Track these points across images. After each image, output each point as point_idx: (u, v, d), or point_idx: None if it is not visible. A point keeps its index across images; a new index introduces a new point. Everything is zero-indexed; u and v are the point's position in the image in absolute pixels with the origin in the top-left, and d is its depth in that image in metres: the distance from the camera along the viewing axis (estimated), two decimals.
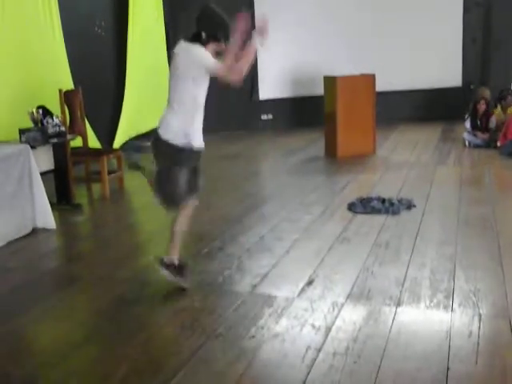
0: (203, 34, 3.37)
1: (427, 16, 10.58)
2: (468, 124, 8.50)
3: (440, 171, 6.86)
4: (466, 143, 8.40)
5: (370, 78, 8.01)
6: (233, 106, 10.81)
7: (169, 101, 3.52)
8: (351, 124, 7.87)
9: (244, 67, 3.32)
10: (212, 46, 3.42)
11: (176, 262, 3.74)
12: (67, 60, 7.37)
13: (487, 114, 8.42)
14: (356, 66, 9.16)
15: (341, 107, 7.81)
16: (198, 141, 3.52)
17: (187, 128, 3.46)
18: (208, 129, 3.95)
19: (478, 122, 8.39)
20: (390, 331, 3.01)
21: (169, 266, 3.70)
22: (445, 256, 4.08)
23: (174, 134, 3.46)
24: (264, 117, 11.17)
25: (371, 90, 8.00)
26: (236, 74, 3.32)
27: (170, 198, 3.58)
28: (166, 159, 3.54)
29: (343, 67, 9.12)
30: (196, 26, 3.42)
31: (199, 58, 3.35)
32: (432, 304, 3.33)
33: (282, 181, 6.94)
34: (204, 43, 3.39)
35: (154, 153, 3.60)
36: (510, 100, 8.50)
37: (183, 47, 3.44)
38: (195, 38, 3.40)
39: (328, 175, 7.23)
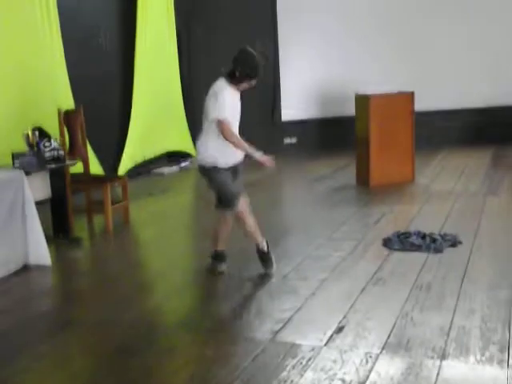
0: (237, 73, 4.47)
1: (476, 25, 10.51)
2: None
3: (490, 202, 6.78)
4: None
5: (409, 96, 8.00)
6: (253, 129, 10.77)
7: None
8: (386, 148, 7.84)
9: (235, 142, 4.50)
10: (244, 83, 4.55)
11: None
12: (67, 76, 7.49)
13: None
14: (392, 82, 9.13)
15: (374, 129, 7.79)
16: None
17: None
18: None
19: None
20: None
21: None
22: (498, 301, 4.01)
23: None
24: (287, 140, 11.20)
25: (410, 110, 7.98)
26: (228, 137, 4.46)
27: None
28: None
29: (377, 84, 9.10)
30: (232, 65, 4.49)
31: (213, 99, 4.48)
32: (483, 358, 3.26)
33: (308, 212, 6.91)
34: (238, 81, 4.51)
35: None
36: None
37: (218, 86, 4.53)
38: (231, 75, 4.51)
39: (360, 206, 7.19)
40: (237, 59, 4.51)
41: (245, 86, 4.57)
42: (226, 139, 4.48)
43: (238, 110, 4.65)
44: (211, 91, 4.55)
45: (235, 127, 4.62)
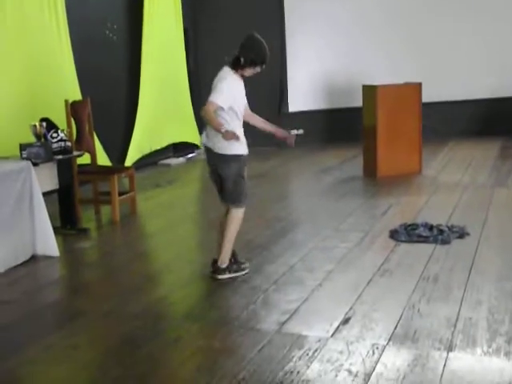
0: (242, 60, 4.36)
1: (483, 16, 10.50)
2: None
3: (498, 194, 6.75)
4: None
5: (416, 87, 7.97)
6: None
7: None
8: (394, 139, 7.81)
9: (211, 120, 4.29)
10: (249, 70, 4.44)
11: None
12: (74, 67, 7.49)
13: None
14: (399, 73, 9.12)
15: (382, 120, 7.77)
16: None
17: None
18: None
19: None
20: (440, 380, 2.93)
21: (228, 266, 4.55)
22: (505, 292, 3.99)
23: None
24: (294, 131, 11.14)
25: (417, 101, 7.95)
26: (205, 114, 4.30)
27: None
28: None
29: (385, 75, 9.09)
30: (238, 51, 4.40)
31: (214, 86, 4.41)
32: (490, 350, 3.23)
33: (315, 203, 6.90)
34: (243, 67, 4.40)
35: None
36: None
37: (221, 74, 4.45)
38: (235, 62, 4.41)
39: (367, 198, 7.17)
40: (244, 45, 4.41)
41: (250, 72, 4.45)
42: (202, 115, 4.38)
43: (242, 96, 4.51)
44: (215, 79, 4.47)
45: (240, 114, 4.49)
